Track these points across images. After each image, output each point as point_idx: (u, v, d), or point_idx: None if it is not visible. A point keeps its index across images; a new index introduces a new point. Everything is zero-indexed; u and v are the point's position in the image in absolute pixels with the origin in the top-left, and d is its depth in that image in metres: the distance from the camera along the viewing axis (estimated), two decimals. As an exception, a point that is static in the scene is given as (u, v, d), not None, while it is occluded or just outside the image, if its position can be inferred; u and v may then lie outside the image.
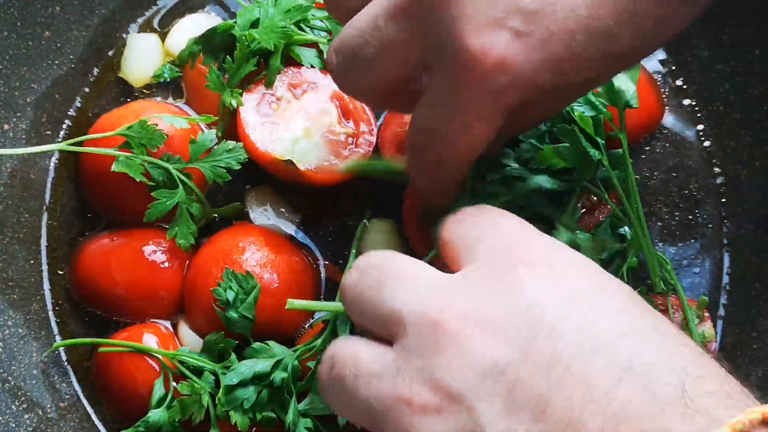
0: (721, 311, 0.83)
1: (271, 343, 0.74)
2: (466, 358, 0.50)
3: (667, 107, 0.87)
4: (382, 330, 0.55)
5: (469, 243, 0.56)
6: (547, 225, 0.74)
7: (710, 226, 0.85)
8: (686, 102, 0.87)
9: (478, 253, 0.55)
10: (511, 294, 0.52)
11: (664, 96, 0.87)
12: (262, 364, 0.72)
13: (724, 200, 0.85)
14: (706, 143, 0.86)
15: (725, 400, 0.47)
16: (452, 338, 0.51)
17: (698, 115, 0.87)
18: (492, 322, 0.51)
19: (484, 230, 0.57)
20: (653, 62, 0.89)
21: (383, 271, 0.56)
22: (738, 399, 0.47)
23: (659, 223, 0.84)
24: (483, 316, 0.51)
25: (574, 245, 0.74)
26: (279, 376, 0.72)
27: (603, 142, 0.74)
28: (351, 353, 0.56)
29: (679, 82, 0.88)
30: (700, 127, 0.86)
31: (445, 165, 0.64)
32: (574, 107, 0.75)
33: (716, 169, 0.86)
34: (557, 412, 0.48)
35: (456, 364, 0.50)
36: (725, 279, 0.84)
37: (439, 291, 0.54)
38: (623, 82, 0.76)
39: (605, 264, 0.76)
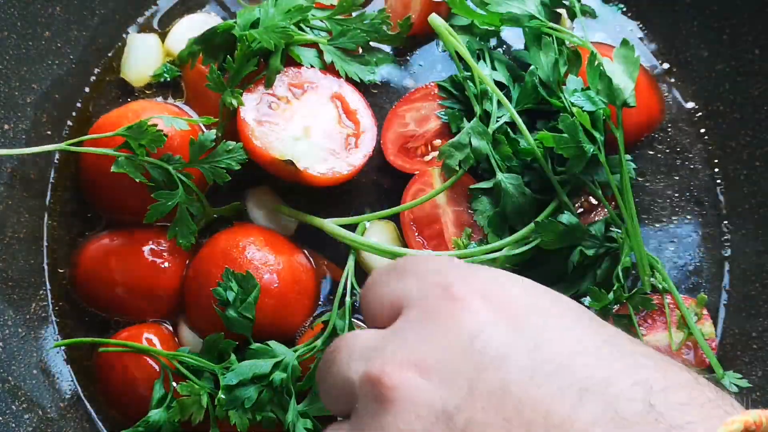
0: (722, 311, 0.83)
1: (272, 343, 0.74)
2: (411, 410, 0.48)
3: (667, 107, 0.87)
4: (346, 406, 0.55)
5: (397, 295, 0.55)
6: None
7: (710, 226, 0.85)
8: (686, 102, 0.87)
9: (410, 300, 0.54)
10: (447, 332, 0.50)
11: (664, 96, 0.87)
12: (262, 365, 0.72)
13: (724, 200, 0.85)
14: (707, 143, 0.86)
15: (698, 410, 0.44)
16: (395, 391, 0.49)
17: (698, 115, 0.87)
18: (432, 366, 0.49)
19: (410, 278, 0.55)
20: (653, 62, 0.89)
21: (336, 347, 0.57)
22: (713, 407, 0.45)
23: (659, 223, 0.84)
24: (421, 361, 0.50)
25: (575, 227, 0.74)
26: (279, 376, 0.72)
27: (602, 138, 0.74)
28: None
29: (679, 82, 0.88)
30: (700, 127, 0.86)
31: None
32: (574, 101, 0.75)
33: (716, 169, 0.85)
34: None
35: (403, 419, 0.49)
36: (725, 279, 0.84)
37: (378, 349, 0.52)
38: (622, 80, 0.76)
39: (597, 262, 0.77)
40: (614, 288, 0.75)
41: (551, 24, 0.79)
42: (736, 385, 0.76)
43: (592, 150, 0.73)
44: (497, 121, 0.80)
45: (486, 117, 0.80)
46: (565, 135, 0.74)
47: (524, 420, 0.45)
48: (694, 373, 0.47)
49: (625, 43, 0.77)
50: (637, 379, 0.45)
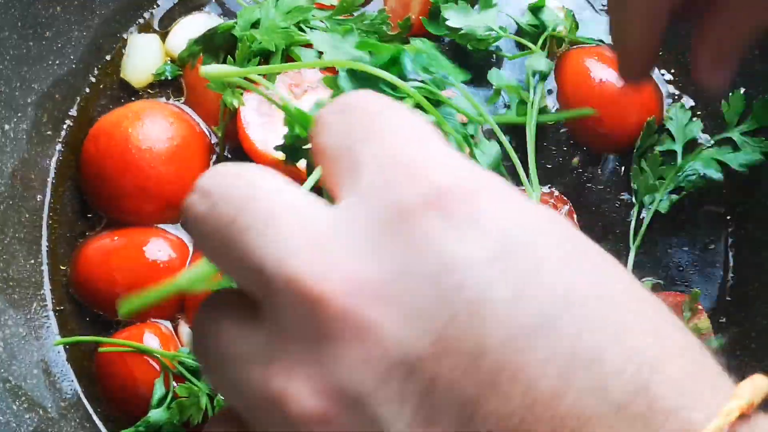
0: (721, 311, 0.83)
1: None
2: (361, 350, 0.36)
3: (667, 107, 0.87)
4: (248, 286, 0.40)
5: (346, 156, 0.41)
6: None
7: (710, 225, 0.85)
8: (686, 102, 0.87)
9: (361, 176, 0.39)
10: (414, 251, 0.37)
11: (664, 96, 0.87)
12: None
13: (724, 200, 0.85)
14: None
15: (694, 388, 0.37)
16: (341, 321, 0.36)
17: (698, 115, 0.87)
18: (393, 296, 0.36)
19: (367, 134, 0.41)
20: (653, 62, 0.89)
21: (242, 206, 0.39)
22: (710, 385, 0.38)
23: (659, 222, 0.84)
24: (380, 289, 0.37)
25: None
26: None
27: None
28: (213, 330, 0.41)
29: (679, 83, 0.88)
30: (700, 127, 0.86)
31: None
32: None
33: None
34: (490, 419, 0.36)
35: (349, 358, 0.36)
36: (724, 278, 0.84)
37: (316, 245, 0.38)
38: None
39: None
40: None
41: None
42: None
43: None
44: None
45: None
46: None
47: (501, 392, 0.36)
48: (691, 337, 0.40)
49: None
50: (631, 346, 0.37)
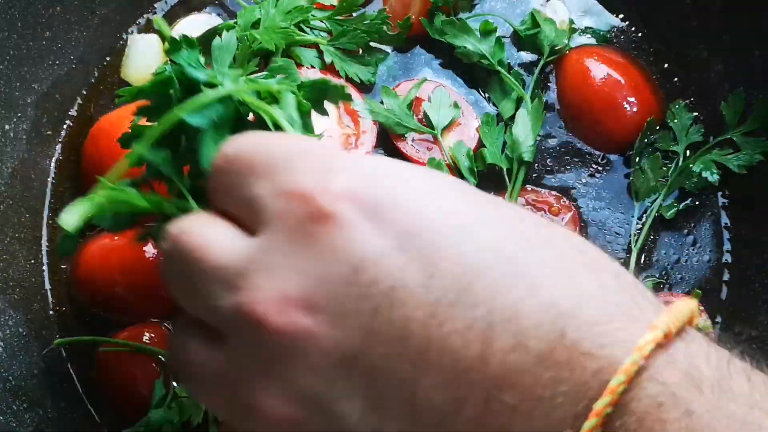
0: (721, 311, 0.83)
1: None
2: (305, 359, 0.41)
3: (667, 107, 0.87)
4: (206, 318, 0.46)
5: (246, 202, 0.44)
6: None
7: (710, 225, 0.85)
8: (686, 102, 0.87)
9: (266, 211, 0.43)
10: (324, 260, 0.41)
11: (663, 96, 0.87)
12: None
13: (724, 200, 0.85)
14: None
15: (611, 326, 0.39)
16: (282, 337, 0.41)
17: (698, 114, 0.87)
18: (319, 304, 0.41)
19: (258, 176, 0.44)
20: (653, 62, 0.89)
21: (186, 256, 0.46)
22: (628, 318, 0.40)
23: (660, 223, 0.84)
24: (306, 300, 0.41)
25: None
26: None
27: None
28: (183, 351, 0.47)
29: (679, 83, 0.88)
30: (701, 127, 0.86)
31: None
32: None
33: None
34: (430, 392, 0.40)
35: (298, 369, 0.41)
36: (724, 278, 0.84)
37: (246, 274, 0.42)
38: (522, 133, 0.81)
39: None
40: None
41: (498, 67, 0.84)
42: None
43: None
44: None
45: None
46: None
47: (432, 366, 0.39)
48: (606, 273, 0.42)
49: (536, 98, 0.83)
50: (544, 299, 0.40)
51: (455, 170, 0.81)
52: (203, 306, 0.45)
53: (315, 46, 0.84)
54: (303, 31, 0.83)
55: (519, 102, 0.84)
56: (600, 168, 0.85)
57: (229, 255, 0.44)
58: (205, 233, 0.45)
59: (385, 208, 0.41)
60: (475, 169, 0.80)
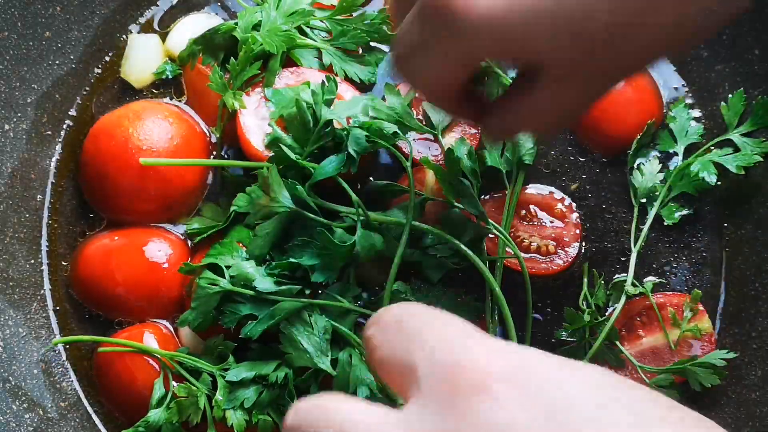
0: (721, 311, 0.83)
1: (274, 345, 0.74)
2: None
3: (667, 108, 0.87)
4: None
5: (401, 363, 0.47)
6: None
7: (710, 226, 0.85)
8: (686, 102, 0.87)
9: (418, 378, 0.45)
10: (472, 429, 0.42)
11: (663, 96, 0.87)
12: (264, 366, 0.72)
13: (724, 200, 0.85)
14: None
15: None
16: None
17: (698, 115, 0.87)
18: None
19: (415, 346, 0.47)
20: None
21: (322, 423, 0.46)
22: None
23: (659, 223, 0.84)
24: None
25: None
26: (280, 374, 0.72)
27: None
28: None
29: (679, 83, 0.88)
30: (701, 128, 0.86)
31: (424, 86, 0.62)
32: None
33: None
34: None
35: None
36: (724, 279, 0.84)
37: None
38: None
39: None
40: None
41: (498, 69, 0.83)
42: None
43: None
44: None
45: None
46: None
47: None
48: None
49: None
50: None
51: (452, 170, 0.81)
52: None
53: (315, 47, 0.84)
54: (304, 33, 0.83)
55: None
56: (600, 169, 0.85)
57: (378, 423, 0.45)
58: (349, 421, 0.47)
59: (533, 383, 0.43)
60: (477, 170, 0.80)
